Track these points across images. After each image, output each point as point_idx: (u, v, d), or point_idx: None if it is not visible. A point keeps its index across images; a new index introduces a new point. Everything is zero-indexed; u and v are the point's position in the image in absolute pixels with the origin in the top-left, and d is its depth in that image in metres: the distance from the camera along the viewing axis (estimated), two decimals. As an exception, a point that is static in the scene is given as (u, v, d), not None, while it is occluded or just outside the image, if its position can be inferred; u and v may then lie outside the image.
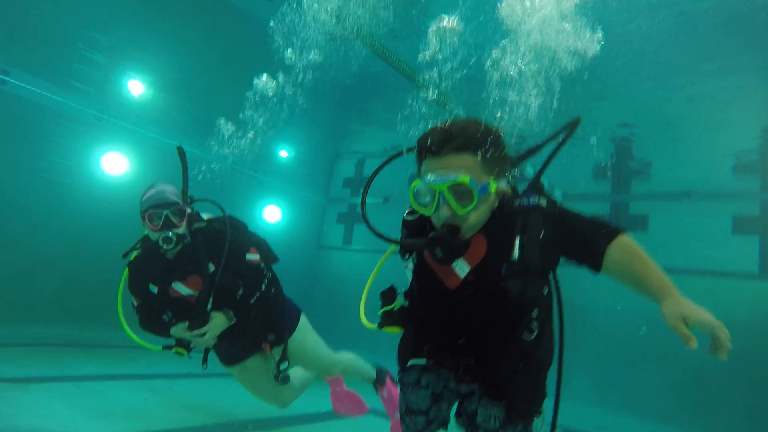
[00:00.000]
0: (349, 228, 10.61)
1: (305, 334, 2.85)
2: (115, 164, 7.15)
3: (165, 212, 2.41)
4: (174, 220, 2.43)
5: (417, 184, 1.36)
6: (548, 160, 1.48)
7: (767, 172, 6.84)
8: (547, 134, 1.58)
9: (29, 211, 6.61)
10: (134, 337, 2.72)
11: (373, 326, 1.61)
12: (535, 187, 1.42)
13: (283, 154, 9.99)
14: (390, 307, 1.58)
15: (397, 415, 3.24)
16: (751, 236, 6.70)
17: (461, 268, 1.37)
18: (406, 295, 1.63)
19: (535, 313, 1.43)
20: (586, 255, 1.37)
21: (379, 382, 3.30)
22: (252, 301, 2.58)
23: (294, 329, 2.81)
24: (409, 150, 1.53)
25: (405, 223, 1.63)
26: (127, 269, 2.65)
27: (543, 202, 1.36)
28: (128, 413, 3.94)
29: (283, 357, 2.74)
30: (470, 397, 1.57)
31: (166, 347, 2.69)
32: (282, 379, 2.71)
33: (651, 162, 7.57)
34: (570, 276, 1.79)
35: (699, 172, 7.03)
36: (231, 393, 5.34)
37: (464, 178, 1.27)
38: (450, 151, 1.30)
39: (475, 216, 1.35)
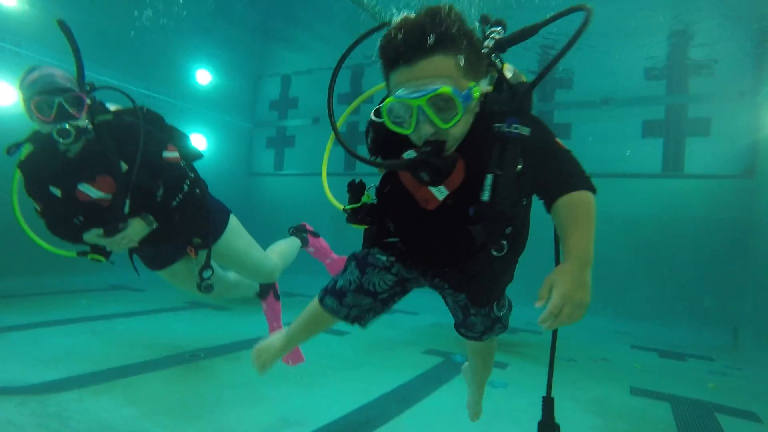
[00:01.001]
0: (280, 152, 10.31)
1: (236, 236, 2.63)
2: None
3: (57, 100, 2.02)
4: (70, 110, 2.05)
5: (391, 101, 1.15)
6: (544, 72, 1.26)
7: (672, 77, 7.33)
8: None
9: None
10: (43, 243, 2.47)
11: (341, 206, 1.51)
12: (520, 109, 1.25)
13: (203, 77, 9.25)
14: (358, 204, 1.45)
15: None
16: (657, 138, 7.31)
17: (440, 190, 1.25)
18: (377, 192, 1.46)
19: (508, 230, 1.35)
20: (544, 195, 1.30)
21: (305, 242, 3.28)
22: (174, 203, 2.33)
23: (222, 231, 2.59)
24: (373, 31, 1.36)
25: (373, 125, 1.35)
26: (17, 170, 2.26)
27: (526, 131, 1.20)
28: (70, 356, 3.84)
29: (207, 264, 2.51)
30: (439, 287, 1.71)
31: (81, 253, 2.39)
32: (205, 288, 2.53)
33: (573, 72, 7.83)
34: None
35: (616, 80, 7.39)
36: (178, 326, 5.35)
37: (445, 88, 1.10)
38: (422, 56, 1.10)
39: (459, 128, 1.19)
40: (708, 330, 6.35)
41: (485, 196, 1.22)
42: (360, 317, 1.72)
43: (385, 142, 1.33)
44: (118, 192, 2.20)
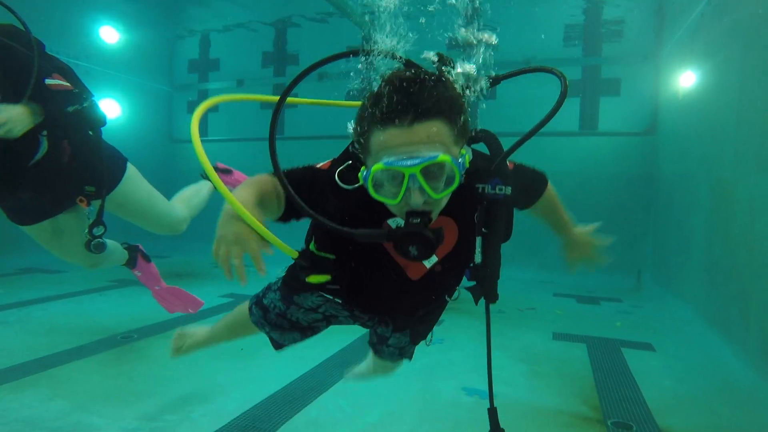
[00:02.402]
0: (203, 118, 9.74)
1: (135, 184, 2.34)
2: None
3: None
4: None
5: (379, 168, 1.00)
6: (523, 140, 1.15)
7: (588, 40, 7.73)
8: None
9: None
10: None
11: (294, 253, 1.24)
12: (501, 170, 1.15)
13: (109, 35, 8.40)
14: (318, 277, 1.27)
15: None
16: (575, 98, 7.74)
17: (429, 260, 1.16)
18: (328, 247, 1.29)
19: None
20: (519, 207, 1.34)
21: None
22: (63, 140, 2.01)
23: (119, 179, 2.29)
24: (353, 53, 1.19)
25: (339, 191, 1.16)
26: None
27: (509, 190, 1.13)
28: (-17, 350, 3.55)
29: (99, 219, 2.22)
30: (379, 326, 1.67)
31: None
32: (95, 246, 2.23)
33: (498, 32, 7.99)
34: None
35: (537, 42, 7.65)
36: (105, 307, 5.08)
37: (444, 156, 0.99)
38: (419, 119, 0.97)
39: (447, 197, 1.09)
40: (617, 275, 7.03)
41: (478, 258, 1.18)
42: (280, 341, 1.66)
43: (355, 208, 1.17)
44: None
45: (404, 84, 1.01)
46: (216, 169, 3.02)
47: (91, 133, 2.08)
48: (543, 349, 4.12)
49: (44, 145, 1.89)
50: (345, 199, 1.16)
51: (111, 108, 8.60)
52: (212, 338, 1.71)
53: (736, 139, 4.13)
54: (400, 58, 1.19)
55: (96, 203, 2.22)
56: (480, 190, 1.14)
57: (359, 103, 1.14)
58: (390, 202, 1.05)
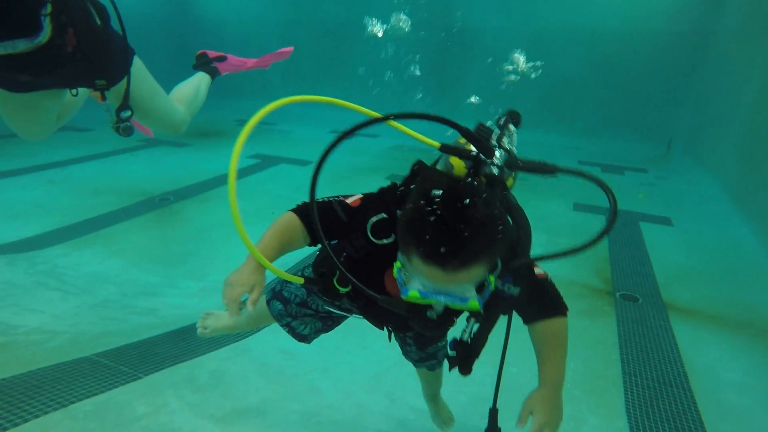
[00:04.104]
0: None
1: (140, 80, 2.22)
2: None
3: None
4: None
5: (415, 296, 1.01)
6: (551, 256, 1.10)
7: None
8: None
9: None
10: None
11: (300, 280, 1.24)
12: (517, 272, 1.14)
13: None
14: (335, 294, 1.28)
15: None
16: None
17: (431, 312, 1.13)
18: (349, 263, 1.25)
19: None
20: (521, 313, 1.29)
21: (214, 72, 2.85)
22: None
23: (127, 71, 2.16)
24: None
25: (368, 240, 1.18)
26: None
27: (515, 291, 1.14)
28: (36, 210, 3.83)
29: (125, 104, 2.13)
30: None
31: None
32: (124, 129, 2.17)
33: None
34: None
35: None
36: (138, 168, 5.28)
37: (474, 303, 1.00)
38: (463, 266, 0.96)
39: None
40: (646, 143, 6.85)
41: (466, 337, 1.21)
42: (303, 333, 1.64)
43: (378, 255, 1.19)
44: None
45: (451, 219, 0.92)
46: (207, 57, 2.81)
47: (99, 23, 1.92)
48: (562, 219, 4.25)
49: (47, 29, 1.76)
50: (371, 246, 1.18)
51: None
52: (234, 327, 1.81)
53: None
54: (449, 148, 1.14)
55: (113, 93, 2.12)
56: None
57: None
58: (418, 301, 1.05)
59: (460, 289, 1.00)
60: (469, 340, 1.24)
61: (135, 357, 2.03)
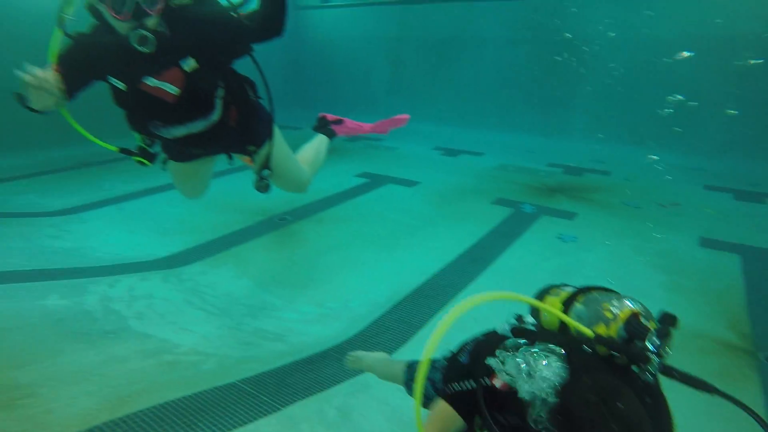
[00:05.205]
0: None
1: (277, 145, 2.43)
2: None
3: None
4: (148, 7, 1.73)
5: None
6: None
7: None
8: None
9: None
10: (85, 133, 2.09)
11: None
12: None
13: None
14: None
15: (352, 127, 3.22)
16: None
17: None
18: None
19: None
20: None
21: (332, 134, 3.07)
22: (249, 97, 2.16)
23: (271, 136, 2.36)
24: None
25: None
26: (58, 33, 1.83)
27: None
28: (179, 226, 4.36)
29: (266, 164, 2.32)
30: None
31: (124, 151, 2.15)
32: (264, 187, 2.37)
33: None
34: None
35: None
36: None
37: None
38: None
39: None
40: (792, 166, 6.06)
41: None
42: None
43: None
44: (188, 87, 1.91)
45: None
46: (326, 120, 3.05)
47: (251, 97, 2.21)
48: (686, 257, 3.91)
49: (218, 110, 2.07)
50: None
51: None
52: (371, 371, 2.01)
53: None
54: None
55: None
56: None
57: None
58: None
59: None
60: None
61: (272, 386, 2.26)
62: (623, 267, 3.69)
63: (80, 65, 1.85)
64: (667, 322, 1.02)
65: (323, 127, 3.05)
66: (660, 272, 3.62)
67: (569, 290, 1.16)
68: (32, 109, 1.75)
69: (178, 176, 2.50)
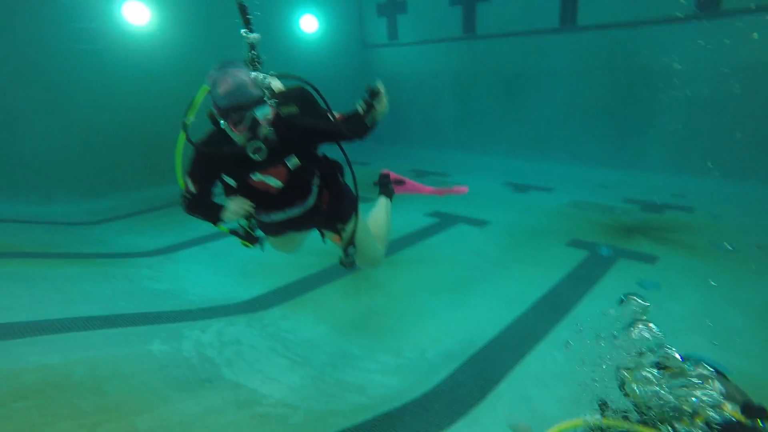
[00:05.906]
0: (392, 20, 9.69)
1: (359, 223, 2.58)
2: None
3: (251, 114, 1.90)
4: (262, 121, 1.95)
5: None
6: None
7: None
8: None
9: (78, 86, 6.65)
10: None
11: None
12: None
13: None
14: None
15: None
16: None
17: None
18: None
19: None
20: None
21: (392, 194, 3.22)
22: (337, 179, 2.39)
23: (356, 213, 2.54)
24: None
25: None
26: (182, 136, 2.14)
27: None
28: (258, 268, 4.60)
29: (351, 240, 2.51)
30: None
31: (233, 232, 2.45)
32: (349, 263, 2.56)
33: None
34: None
35: None
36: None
37: None
38: None
39: None
40: None
41: None
42: None
43: None
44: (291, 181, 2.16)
45: None
46: (388, 178, 3.20)
47: (341, 180, 2.42)
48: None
49: (314, 196, 2.28)
50: None
51: (310, 24, 9.12)
52: None
53: None
54: None
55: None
56: None
57: None
58: None
59: None
60: None
61: (357, 444, 2.32)
62: (718, 321, 3.43)
63: (206, 175, 2.18)
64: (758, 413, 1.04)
65: (385, 185, 3.21)
66: (763, 327, 3.32)
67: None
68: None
69: (275, 245, 2.79)
